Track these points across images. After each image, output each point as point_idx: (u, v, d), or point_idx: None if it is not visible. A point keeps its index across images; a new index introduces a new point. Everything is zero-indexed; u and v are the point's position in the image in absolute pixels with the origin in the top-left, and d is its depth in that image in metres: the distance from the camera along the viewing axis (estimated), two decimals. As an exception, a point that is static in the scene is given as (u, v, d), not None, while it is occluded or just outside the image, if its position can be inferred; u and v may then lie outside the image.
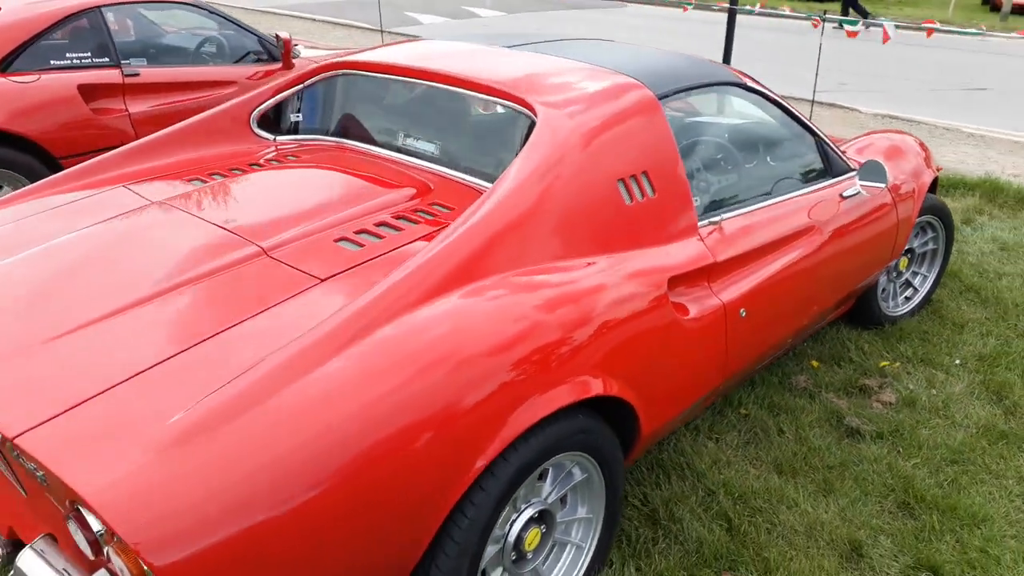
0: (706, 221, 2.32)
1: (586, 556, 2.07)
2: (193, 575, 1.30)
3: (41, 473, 1.49)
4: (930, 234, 3.63)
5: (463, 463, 1.60)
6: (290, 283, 1.79)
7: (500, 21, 14.77)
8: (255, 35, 4.92)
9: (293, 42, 5.01)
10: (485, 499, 1.67)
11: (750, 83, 2.68)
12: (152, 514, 1.30)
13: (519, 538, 1.86)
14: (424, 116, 2.55)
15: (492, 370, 1.64)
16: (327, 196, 2.21)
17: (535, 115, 2.13)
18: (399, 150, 2.55)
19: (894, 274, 3.56)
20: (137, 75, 4.26)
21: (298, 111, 2.80)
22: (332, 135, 2.73)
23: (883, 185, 2.77)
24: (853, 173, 2.95)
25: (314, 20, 12.89)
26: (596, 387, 1.84)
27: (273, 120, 2.81)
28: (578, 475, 1.99)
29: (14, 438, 1.40)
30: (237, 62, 4.83)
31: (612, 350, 1.89)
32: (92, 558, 1.45)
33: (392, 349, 1.57)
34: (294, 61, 4.99)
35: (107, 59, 4.19)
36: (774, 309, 2.49)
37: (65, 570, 1.53)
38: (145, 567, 1.32)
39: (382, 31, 8.55)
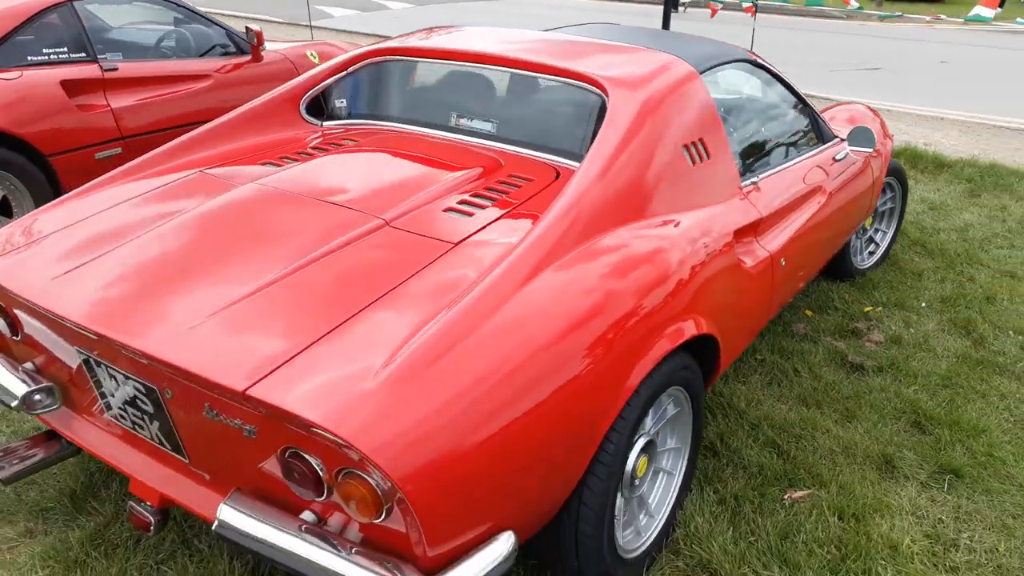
0: (747, 182, 2.60)
1: (676, 481, 2.31)
2: (421, 484, 1.46)
3: (250, 427, 1.61)
4: (889, 194, 4.06)
5: (615, 391, 1.82)
6: (428, 248, 1.94)
7: (410, 13, 14.83)
8: (222, 28, 4.90)
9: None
10: (624, 426, 1.89)
11: (759, 60, 2.98)
12: (385, 435, 1.45)
13: (633, 466, 2.08)
14: (478, 98, 2.72)
15: (634, 311, 1.86)
16: (408, 174, 2.35)
17: (606, 93, 2.34)
18: (452, 131, 2.70)
19: (861, 231, 3.97)
20: (115, 70, 4.21)
21: (343, 97, 2.91)
22: (380, 119, 2.86)
23: (871, 150, 3.13)
24: (837, 139, 3.31)
25: (223, 15, 12.57)
26: (697, 327, 2.09)
27: (318, 106, 2.90)
28: (671, 410, 2.23)
29: (245, 390, 1.52)
30: (204, 55, 4.81)
31: (704, 295, 2.14)
32: (311, 497, 1.58)
33: (555, 296, 1.76)
34: (262, 53, 5.00)
35: (83, 54, 4.12)
36: (800, 259, 2.80)
37: (260, 515, 1.64)
38: (381, 487, 1.47)
39: (311, 26, 8.50)
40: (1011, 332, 3.49)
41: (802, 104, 3.17)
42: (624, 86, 2.33)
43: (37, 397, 2.04)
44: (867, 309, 3.64)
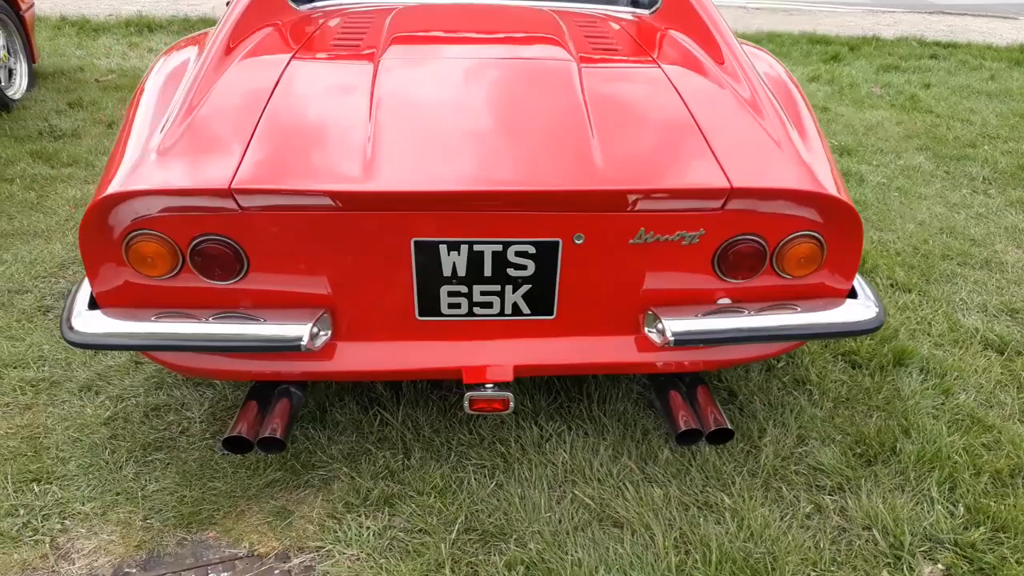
0: None
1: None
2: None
3: (692, 233, 1.69)
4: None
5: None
6: (644, 65, 2.11)
7: None
8: None
9: None
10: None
11: None
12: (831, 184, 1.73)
13: None
14: None
15: None
16: (527, 35, 2.36)
17: None
18: None
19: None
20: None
21: None
22: None
23: None
24: None
25: None
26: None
27: None
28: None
29: (732, 185, 1.61)
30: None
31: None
32: (731, 283, 1.78)
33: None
34: None
35: None
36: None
37: (691, 314, 1.76)
38: (826, 236, 1.73)
39: None
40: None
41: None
42: None
43: (316, 329, 1.72)
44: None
